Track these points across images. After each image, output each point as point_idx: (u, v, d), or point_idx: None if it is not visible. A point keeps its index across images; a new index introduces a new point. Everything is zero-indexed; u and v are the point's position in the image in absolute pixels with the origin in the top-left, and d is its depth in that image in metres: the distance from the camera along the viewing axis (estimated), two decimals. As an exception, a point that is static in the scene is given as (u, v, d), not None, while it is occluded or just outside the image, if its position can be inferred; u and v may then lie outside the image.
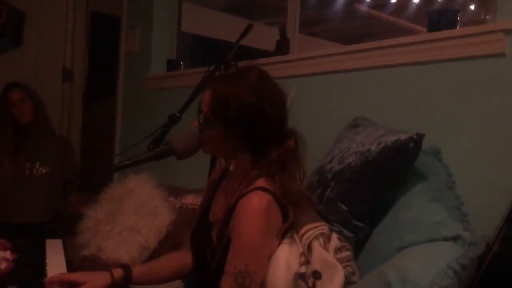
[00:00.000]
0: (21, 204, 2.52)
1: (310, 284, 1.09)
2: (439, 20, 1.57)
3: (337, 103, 1.88)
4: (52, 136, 2.71)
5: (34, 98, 2.60)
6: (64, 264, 1.46)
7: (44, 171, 2.58)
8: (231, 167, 1.25)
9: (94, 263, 1.95)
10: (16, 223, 2.46)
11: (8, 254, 1.20)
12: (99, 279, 1.27)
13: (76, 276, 1.27)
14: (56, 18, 3.73)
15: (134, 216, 2.07)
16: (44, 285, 1.20)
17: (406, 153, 1.25)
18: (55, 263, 1.44)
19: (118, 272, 1.31)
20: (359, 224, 1.28)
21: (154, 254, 1.96)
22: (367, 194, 1.28)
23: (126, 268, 1.34)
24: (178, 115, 1.58)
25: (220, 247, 1.17)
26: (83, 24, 3.85)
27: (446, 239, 1.06)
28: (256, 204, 1.13)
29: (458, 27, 1.55)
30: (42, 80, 2.72)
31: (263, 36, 2.68)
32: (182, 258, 1.44)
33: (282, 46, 2.27)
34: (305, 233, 1.18)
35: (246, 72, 1.25)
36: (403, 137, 1.25)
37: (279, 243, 1.19)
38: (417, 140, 1.24)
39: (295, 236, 1.21)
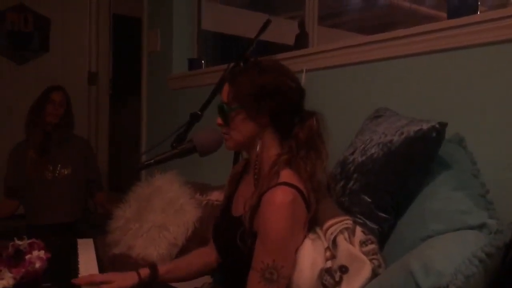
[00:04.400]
0: (48, 206, 2.61)
1: (337, 279, 1.09)
2: (460, 6, 1.54)
3: (358, 94, 1.86)
4: (72, 138, 2.78)
5: (69, 106, 2.72)
6: (96, 263, 1.50)
7: (66, 173, 2.66)
8: (258, 157, 1.26)
9: (124, 261, 1.99)
10: (46, 224, 2.54)
11: (42, 253, 1.25)
12: (126, 279, 1.31)
13: (104, 277, 1.31)
14: (79, 23, 3.83)
15: (162, 214, 2.11)
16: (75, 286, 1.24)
17: (429, 142, 1.23)
18: (87, 262, 1.49)
19: (144, 271, 1.35)
20: (383, 215, 1.27)
21: (183, 251, 2.00)
22: (390, 185, 1.27)
23: (153, 266, 1.38)
24: (200, 113, 1.60)
25: (246, 243, 1.18)
26: (106, 27, 3.93)
27: (471, 228, 1.05)
28: (281, 200, 1.14)
29: (479, 13, 1.52)
30: (69, 84, 2.80)
31: (283, 31, 2.68)
32: (207, 255, 1.47)
33: (302, 40, 2.27)
34: (329, 228, 1.19)
35: (256, 60, 1.31)
36: (425, 126, 1.24)
37: (305, 236, 1.21)
38: (440, 129, 1.22)
39: (319, 231, 1.22)
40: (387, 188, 1.27)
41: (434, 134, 1.22)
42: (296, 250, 1.18)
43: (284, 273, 1.12)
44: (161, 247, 2.02)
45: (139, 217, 2.15)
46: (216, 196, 2.18)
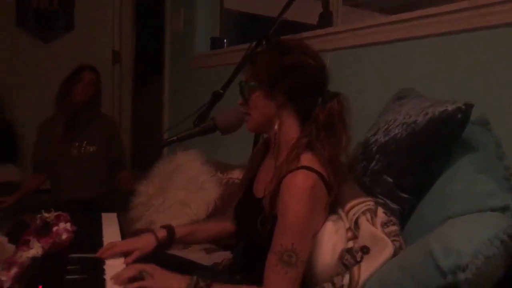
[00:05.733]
0: (72, 181, 2.66)
1: (358, 259, 1.10)
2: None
3: (381, 75, 1.84)
4: (99, 117, 2.82)
5: (99, 86, 2.75)
6: (119, 236, 1.54)
7: (91, 150, 2.70)
8: (276, 137, 1.25)
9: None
10: (70, 199, 2.61)
11: (68, 225, 1.29)
12: (146, 245, 1.34)
13: (124, 246, 1.34)
14: (103, 2, 3.85)
15: (183, 191, 2.15)
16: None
17: (454, 124, 1.21)
18: (111, 235, 1.53)
19: (161, 233, 1.38)
20: (405, 196, 1.26)
21: (203, 228, 2.03)
22: (413, 165, 1.26)
23: (170, 228, 1.40)
24: (222, 91, 1.61)
25: (266, 226, 1.19)
26: (129, 6, 3.95)
27: (493, 210, 1.03)
28: (301, 183, 1.14)
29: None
30: (93, 63, 2.83)
31: (307, 10, 2.64)
32: (224, 222, 1.50)
33: (325, 19, 2.24)
34: (350, 209, 1.19)
35: (278, 39, 1.31)
36: (450, 107, 1.22)
37: (326, 219, 1.21)
38: (465, 110, 1.20)
39: (341, 211, 1.22)
40: (410, 168, 1.26)
41: (459, 116, 1.20)
42: (317, 232, 1.19)
43: (302, 257, 1.13)
44: (182, 223, 2.05)
45: (161, 193, 2.19)
46: (237, 175, 2.20)
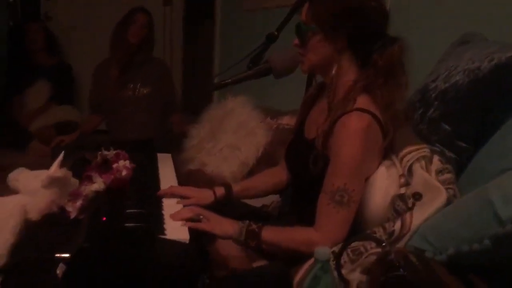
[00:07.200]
0: (127, 122, 2.76)
1: (410, 205, 1.09)
2: None
3: (444, 18, 1.74)
4: (152, 59, 2.86)
5: (151, 28, 2.77)
6: (175, 176, 1.60)
7: (145, 92, 2.77)
8: (333, 81, 1.23)
9: (198, 177, 2.10)
10: (125, 140, 2.71)
11: (127, 163, 1.34)
12: (204, 196, 1.39)
13: (184, 191, 1.40)
14: None
15: (233, 135, 2.18)
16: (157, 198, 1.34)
17: (521, 70, 1.15)
18: (167, 175, 1.59)
19: (220, 191, 1.42)
20: (463, 144, 1.23)
21: (252, 171, 2.07)
22: (473, 114, 1.21)
23: (227, 186, 1.44)
24: (276, 33, 1.57)
25: (318, 166, 1.19)
26: None
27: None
28: (356, 124, 1.13)
29: None
30: (144, 4, 2.84)
31: None
32: (278, 175, 1.51)
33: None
34: (405, 155, 1.18)
35: None
36: (518, 52, 1.15)
37: (379, 163, 1.20)
38: (536, 56, 1.13)
39: (394, 158, 1.21)
40: (470, 117, 1.22)
41: (528, 61, 1.13)
42: (369, 176, 1.18)
43: (354, 197, 1.13)
44: (232, 165, 2.10)
45: (212, 136, 2.23)
46: (287, 120, 2.20)
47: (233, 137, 2.17)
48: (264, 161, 2.11)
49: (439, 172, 1.14)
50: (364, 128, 1.13)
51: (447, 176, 1.13)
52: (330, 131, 1.17)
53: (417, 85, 1.41)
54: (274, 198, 1.66)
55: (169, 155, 1.86)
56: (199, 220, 1.23)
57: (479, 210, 0.89)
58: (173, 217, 1.21)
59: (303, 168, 1.23)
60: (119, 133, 2.78)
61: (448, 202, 1.06)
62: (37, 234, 1.12)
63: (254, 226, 1.19)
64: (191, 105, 3.67)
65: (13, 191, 1.21)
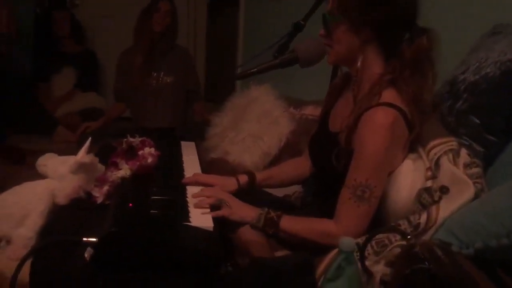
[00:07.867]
0: (150, 110, 2.78)
1: (436, 198, 1.08)
2: None
3: (476, 8, 1.70)
4: (175, 47, 2.86)
5: (175, 16, 2.77)
6: (198, 164, 1.61)
7: (168, 80, 2.78)
8: (358, 73, 1.21)
9: (221, 165, 2.11)
10: (149, 128, 2.74)
11: (152, 150, 1.35)
12: (228, 184, 1.39)
13: (208, 178, 1.41)
14: None
15: (257, 124, 2.17)
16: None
17: (556, 62, 1.12)
18: (190, 163, 1.60)
19: (243, 178, 1.42)
20: (492, 138, 1.21)
21: (275, 161, 2.07)
22: (504, 107, 1.19)
23: (251, 174, 1.44)
24: (303, 23, 1.56)
25: (341, 161, 1.18)
26: None
27: None
28: (381, 119, 1.11)
29: None
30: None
31: None
32: (301, 165, 1.51)
33: None
34: (432, 148, 1.16)
35: None
36: (554, 44, 1.11)
37: (405, 157, 1.19)
38: None
39: (421, 150, 1.19)
40: (500, 110, 1.20)
41: None
42: (394, 169, 1.17)
43: (376, 193, 1.12)
44: (255, 155, 2.10)
45: (235, 125, 2.23)
46: (310, 111, 2.18)
47: (256, 127, 2.17)
48: (287, 151, 2.10)
49: (467, 165, 1.12)
50: (389, 124, 1.11)
51: (475, 170, 1.11)
52: (354, 126, 1.16)
53: (446, 76, 1.38)
54: (296, 188, 1.66)
55: (193, 143, 1.87)
56: (220, 207, 1.24)
57: (508, 205, 0.88)
58: (196, 205, 1.22)
59: (327, 162, 1.23)
60: (142, 121, 2.81)
61: (476, 196, 1.04)
62: (64, 218, 1.15)
63: (273, 214, 1.20)
64: (213, 94, 3.69)
65: (42, 176, 1.24)
